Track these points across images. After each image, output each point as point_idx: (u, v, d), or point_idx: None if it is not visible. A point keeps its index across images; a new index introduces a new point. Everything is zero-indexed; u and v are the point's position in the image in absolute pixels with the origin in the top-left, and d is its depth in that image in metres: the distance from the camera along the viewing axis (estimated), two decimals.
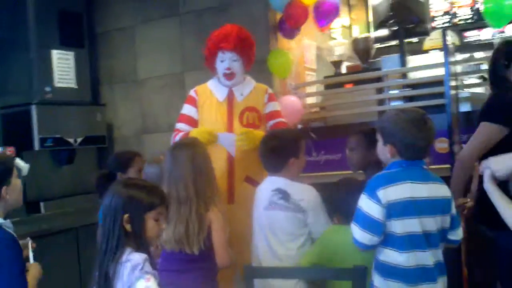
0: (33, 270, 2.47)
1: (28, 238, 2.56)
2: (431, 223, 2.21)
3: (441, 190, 2.27)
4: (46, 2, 4.51)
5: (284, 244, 2.65)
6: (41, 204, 4.17)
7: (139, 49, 4.99)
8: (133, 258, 1.86)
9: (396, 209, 2.18)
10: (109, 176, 3.21)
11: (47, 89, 4.40)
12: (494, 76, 2.80)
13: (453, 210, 2.31)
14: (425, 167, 2.30)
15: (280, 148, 2.76)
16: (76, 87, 4.66)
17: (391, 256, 2.22)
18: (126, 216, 1.91)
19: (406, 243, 2.19)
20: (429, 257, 2.19)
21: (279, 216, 2.65)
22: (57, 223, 4.01)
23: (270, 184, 2.75)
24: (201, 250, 2.47)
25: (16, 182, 2.50)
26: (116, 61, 5.11)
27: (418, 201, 2.20)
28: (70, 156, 4.50)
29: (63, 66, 4.57)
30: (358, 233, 2.23)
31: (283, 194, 2.65)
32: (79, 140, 4.51)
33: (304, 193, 2.67)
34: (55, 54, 4.52)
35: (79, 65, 4.72)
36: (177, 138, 3.19)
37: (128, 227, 1.91)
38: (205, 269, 2.52)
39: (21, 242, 2.49)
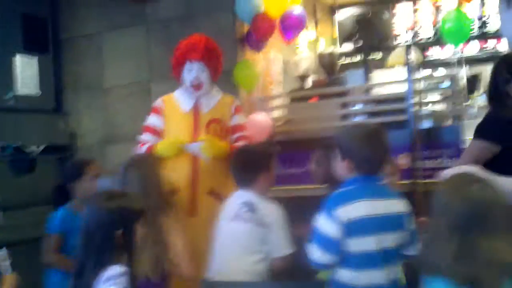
0: (9, 280, 2.44)
1: (4, 249, 2.53)
2: (389, 240, 2.20)
3: (398, 206, 2.27)
4: (9, 6, 4.42)
5: (240, 258, 2.64)
6: (0, 213, 4.07)
7: (105, 56, 4.93)
8: (111, 269, 1.85)
9: (354, 228, 2.16)
10: (65, 187, 3.16)
11: (9, 95, 4.31)
12: (495, 91, 2.73)
13: (412, 226, 2.29)
14: (383, 182, 2.33)
15: (252, 163, 2.77)
16: (39, 94, 4.57)
17: (346, 276, 2.21)
18: (119, 231, 1.91)
19: (361, 262, 2.18)
20: (383, 276, 2.18)
21: (242, 228, 2.65)
22: (17, 234, 3.93)
23: (239, 197, 2.75)
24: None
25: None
26: (81, 68, 5.03)
27: (375, 218, 2.19)
28: (30, 165, 4.41)
29: (26, 72, 4.49)
30: (316, 253, 2.21)
31: (250, 207, 2.66)
32: (40, 149, 4.42)
33: (271, 209, 2.68)
34: (18, 59, 4.43)
35: (43, 71, 4.65)
36: (143, 150, 3.19)
37: (121, 240, 1.91)
38: None
39: None
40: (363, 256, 2.18)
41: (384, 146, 2.29)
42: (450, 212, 1.66)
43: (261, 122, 4.08)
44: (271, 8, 4.02)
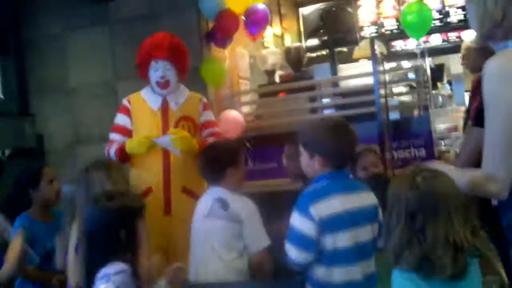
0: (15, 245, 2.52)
1: None
2: (363, 233, 2.20)
3: (369, 198, 2.28)
4: None
5: (219, 255, 2.63)
6: None
7: (69, 57, 4.85)
8: (108, 267, 1.88)
9: (329, 224, 2.14)
10: (20, 194, 3.09)
11: None
12: None
13: (380, 217, 2.27)
14: (350, 175, 2.34)
15: (217, 159, 2.77)
16: (2, 97, 4.47)
17: (321, 273, 2.19)
18: (121, 230, 1.95)
19: (336, 258, 2.16)
20: (358, 271, 2.17)
21: (217, 225, 2.64)
22: None
23: (211, 194, 2.75)
24: None
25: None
26: (45, 69, 4.94)
27: (350, 212, 2.18)
28: None
29: None
30: (293, 253, 2.18)
31: (223, 203, 2.66)
32: (7, 152, 4.33)
33: (243, 204, 2.68)
34: None
35: (5, 74, 4.54)
36: (112, 149, 3.15)
37: (123, 239, 1.94)
38: None
39: None
40: (338, 253, 2.16)
41: (352, 137, 2.27)
42: (399, 201, 1.69)
43: (232, 118, 4.07)
44: (235, 4, 4.01)
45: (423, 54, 5.82)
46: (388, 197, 1.76)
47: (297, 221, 2.18)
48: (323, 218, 2.14)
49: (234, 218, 2.63)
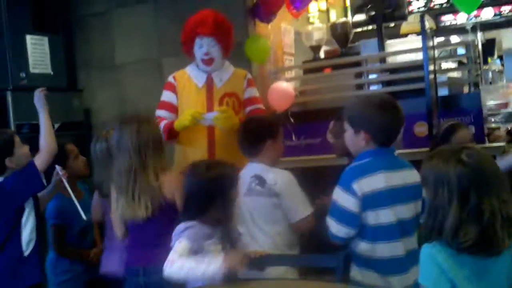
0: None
1: (57, 167, 2.97)
2: (406, 211, 2.21)
3: (413, 176, 2.26)
4: None
5: (262, 229, 2.65)
6: None
7: (115, 34, 4.91)
8: (182, 224, 2.19)
9: (372, 200, 2.17)
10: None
11: (22, 75, 4.30)
12: None
13: (424, 194, 2.31)
14: (395, 153, 2.31)
15: (256, 131, 2.78)
16: (52, 72, 4.57)
17: (365, 248, 2.22)
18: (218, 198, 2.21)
19: (379, 234, 2.19)
20: (401, 247, 2.19)
21: (257, 202, 2.66)
22: None
23: (249, 170, 2.75)
24: (166, 223, 2.45)
25: (21, 151, 2.92)
26: (92, 46, 5.02)
27: (393, 189, 2.19)
28: None
29: (37, 51, 4.47)
30: (334, 227, 2.22)
31: (260, 180, 2.67)
32: (56, 126, 4.43)
33: (278, 177, 2.68)
34: (29, 39, 4.41)
35: (54, 50, 4.62)
36: (161, 126, 3.13)
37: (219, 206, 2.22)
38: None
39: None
40: (381, 229, 2.19)
41: (399, 115, 2.25)
42: (448, 180, 1.65)
43: (284, 90, 4.04)
44: None
45: (474, 28, 5.64)
46: (427, 178, 1.73)
47: (340, 196, 2.21)
48: (366, 194, 2.16)
49: (272, 192, 2.64)
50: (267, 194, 2.64)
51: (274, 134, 2.79)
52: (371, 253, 2.21)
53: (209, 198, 2.21)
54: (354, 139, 2.28)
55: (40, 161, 2.89)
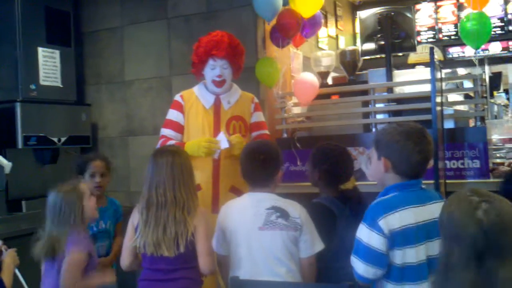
0: (9, 257, 2.50)
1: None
2: (436, 247, 2.03)
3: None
4: (33, 0, 4.45)
5: (272, 268, 2.48)
6: (23, 203, 4.12)
7: (126, 50, 4.97)
8: None
9: (399, 238, 2.04)
10: None
11: (32, 87, 4.35)
12: None
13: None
14: (423, 186, 2.20)
15: (271, 161, 2.64)
16: (62, 86, 4.61)
17: None
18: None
19: (406, 274, 2.07)
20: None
21: (279, 237, 2.48)
22: (38, 223, 3.95)
23: (260, 202, 2.56)
24: (185, 258, 2.48)
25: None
26: (102, 61, 5.08)
27: (422, 225, 2.07)
28: (53, 155, 4.45)
29: (48, 64, 4.52)
30: (361, 267, 2.09)
31: (282, 213, 2.51)
32: (63, 139, 4.47)
33: (297, 209, 2.56)
34: (41, 51, 4.47)
35: (65, 64, 4.67)
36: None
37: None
38: (190, 278, 2.53)
39: None
40: (409, 269, 2.07)
41: (427, 147, 2.16)
42: (464, 238, 1.53)
43: (308, 81, 4.05)
44: (303, 8, 3.98)
45: (481, 61, 5.68)
46: (444, 227, 1.62)
47: (365, 234, 2.09)
48: (393, 231, 2.04)
49: (295, 226, 2.50)
50: (292, 228, 2.49)
51: (281, 164, 2.72)
52: None
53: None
54: (376, 166, 2.21)
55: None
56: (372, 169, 2.26)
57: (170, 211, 2.47)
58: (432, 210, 2.09)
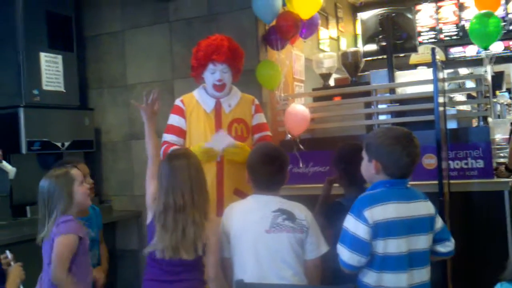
0: (15, 271, 2.48)
1: (7, 252, 2.59)
2: (417, 242, 2.24)
3: (426, 208, 2.32)
4: (34, 4, 4.45)
5: (279, 271, 2.47)
6: (27, 208, 4.12)
7: (128, 54, 4.97)
8: None
9: (382, 229, 2.20)
10: None
11: (35, 92, 4.35)
12: None
13: (438, 225, 2.34)
14: (408, 185, 2.33)
15: (285, 166, 2.66)
16: (64, 90, 4.61)
17: (372, 277, 2.25)
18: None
19: (386, 264, 2.21)
20: (405, 279, 2.20)
21: (286, 239, 2.49)
22: None
23: (266, 204, 2.57)
24: (195, 260, 2.48)
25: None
26: (104, 65, 5.08)
27: (404, 220, 2.22)
28: (57, 161, 4.45)
29: (51, 69, 4.52)
30: (346, 254, 2.23)
31: (288, 215, 2.52)
32: (66, 144, 4.47)
33: (302, 211, 2.57)
34: (43, 56, 4.47)
35: (67, 68, 4.66)
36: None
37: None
38: (197, 279, 2.53)
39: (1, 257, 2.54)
40: (389, 258, 2.21)
41: (415, 150, 2.29)
42: None
43: (300, 113, 4.06)
44: (301, 9, 3.98)
45: (484, 61, 5.68)
46: None
47: (352, 224, 2.24)
48: (377, 222, 2.20)
49: (301, 228, 2.51)
50: (299, 230, 2.50)
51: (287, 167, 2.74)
52: (377, 282, 2.23)
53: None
54: (367, 167, 2.36)
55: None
56: (363, 168, 2.41)
57: (189, 214, 2.47)
58: (416, 208, 2.28)
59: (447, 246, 2.37)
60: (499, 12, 6.39)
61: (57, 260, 2.54)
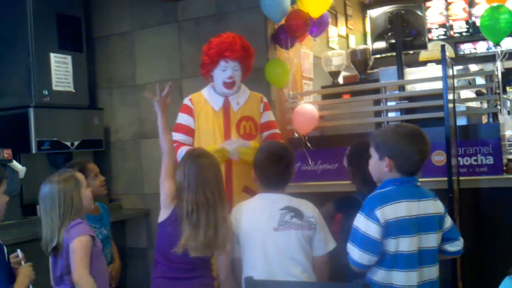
0: (25, 270, 2.49)
1: (18, 251, 2.58)
2: (427, 240, 2.25)
3: (435, 207, 2.31)
4: (44, 5, 4.48)
5: (288, 268, 2.49)
6: (37, 207, 4.10)
7: (138, 54, 4.98)
8: None
9: (393, 228, 2.20)
10: None
11: (45, 92, 4.38)
12: None
13: (447, 224, 2.34)
14: (418, 183, 2.33)
15: (291, 164, 2.69)
16: (74, 90, 4.63)
17: (382, 275, 2.25)
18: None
19: (397, 262, 2.21)
20: (415, 278, 2.21)
21: (294, 236, 2.51)
22: None
23: (274, 202, 2.59)
24: (206, 257, 2.50)
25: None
26: (114, 65, 5.10)
27: (414, 219, 2.22)
28: (67, 160, 4.46)
29: (61, 69, 4.55)
30: (356, 253, 2.24)
31: (295, 212, 2.53)
32: (76, 143, 4.50)
33: (310, 208, 2.59)
34: (53, 57, 4.50)
35: (77, 68, 4.69)
36: (182, 152, 3.00)
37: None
38: (207, 277, 2.57)
39: (12, 256, 2.53)
40: (400, 257, 2.21)
41: (426, 147, 2.30)
42: None
43: (308, 112, 4.05)
44: (311, 8, 3.97)
45: (493, 58, 5.64)
46: None
47: (362, 223, 2.23)
48: (388, 221, 2.19)
49: (312, 225, 2.54)
50: (307, 227, 2.53)
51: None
52: (387, 280, 2.23)
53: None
54: (378, 165, 2.34)
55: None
56: (372, 167, 2.40)
57: (219, 212, 2.49)
58: (425, 206, 2.27)
59: (456, 246, 2.37)
60: (509, 4, 6.35)
61: (78, 261, 2.49)
